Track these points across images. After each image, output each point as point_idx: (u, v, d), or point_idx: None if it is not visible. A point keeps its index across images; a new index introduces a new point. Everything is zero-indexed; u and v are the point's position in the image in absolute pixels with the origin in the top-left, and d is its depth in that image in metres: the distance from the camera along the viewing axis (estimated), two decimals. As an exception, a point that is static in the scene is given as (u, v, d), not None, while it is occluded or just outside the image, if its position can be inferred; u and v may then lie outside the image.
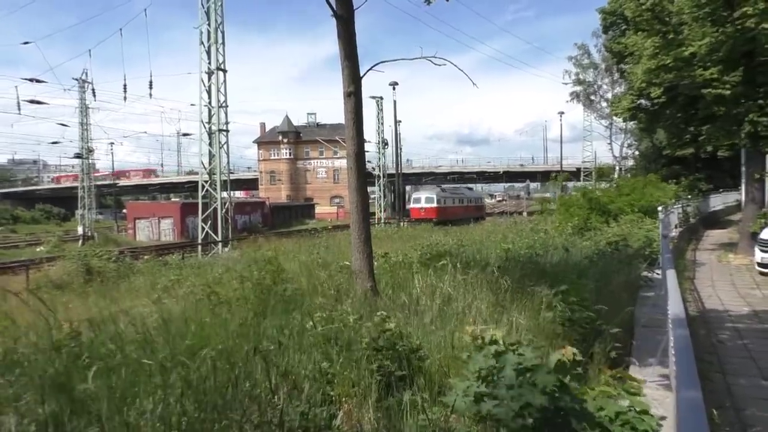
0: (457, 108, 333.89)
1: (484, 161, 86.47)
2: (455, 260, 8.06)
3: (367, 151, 63.04)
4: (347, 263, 7.98)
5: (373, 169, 58.36)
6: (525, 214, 55.32)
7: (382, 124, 56.05)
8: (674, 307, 4.56)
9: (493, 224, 31.02)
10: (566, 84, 51.50)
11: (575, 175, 52.93)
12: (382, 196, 56.22)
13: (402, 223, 50.66)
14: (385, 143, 57.59)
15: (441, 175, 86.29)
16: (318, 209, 75.65)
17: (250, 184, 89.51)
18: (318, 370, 4.53)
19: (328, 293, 6.59)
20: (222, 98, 30.65)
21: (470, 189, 73.94)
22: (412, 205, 53.52)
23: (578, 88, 52.19)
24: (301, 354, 4.74)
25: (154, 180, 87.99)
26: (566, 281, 6.13)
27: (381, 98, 55.40)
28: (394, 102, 49.73)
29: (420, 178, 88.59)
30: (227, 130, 30.94)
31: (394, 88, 49.53)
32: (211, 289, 6.74)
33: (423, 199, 52.93)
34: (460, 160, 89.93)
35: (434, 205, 51.99)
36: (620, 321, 5.98)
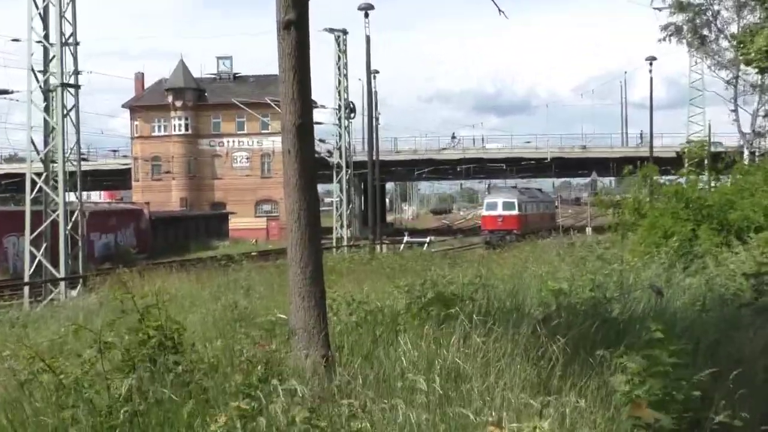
0: (476, 53, 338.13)
1: (521, 141, 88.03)
2: (470, 309, 8.11)
3: (320, 123, 63.62)
4: (283, 316, 8.02)
5: (330, 154, 58.58)
6: (589, 230, 56.31)
7: (346, 77, 56.28)
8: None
9: (533, 246, 31.31)
10: (659, 10, 51.83)
11: (675, 162, 53.58)
12: (345, 199, 56.36)
13: (381, 247, 50.87)
14: (352, 110, 58.00)
15: (446, 165, 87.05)
16: (235, 222, 75.80)
17: (117, 180, 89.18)
18: None
19: (251, 369, 6.60)
20: (69, 29, 30.52)
21: (540, 190, 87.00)
22: (485, 213, 66.16)
23: (680, 18, 52.13)
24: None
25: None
26: (659, 345, 6.23)
27: (344, 32, 55.59)
28: (367, 39, 49.38)
29: (411, 170, 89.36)
30: (77, 86, 30.79)
31: (366, 15, 49.49)
32: (45, 365, 6.69)
33: (500, 204, 63.41)
34: (479, 140, 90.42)
35: (515, 212, 62.91)
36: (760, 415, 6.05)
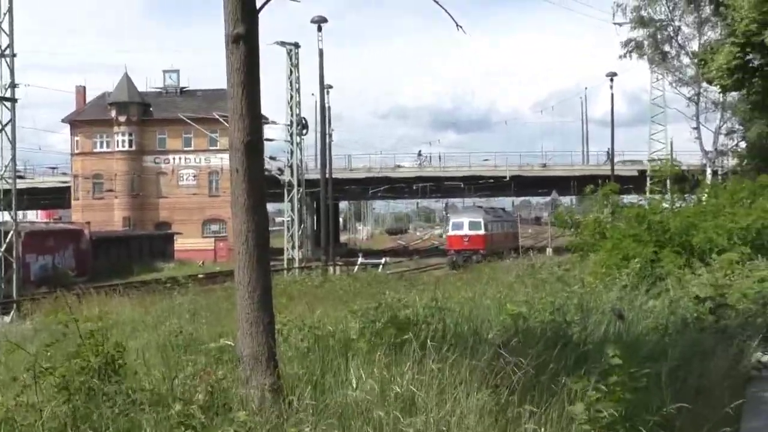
0: (434, 68, 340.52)
1: (479, 159, 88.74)
2: (427, 333, 8.10)
3: (271, 140, 63.70)
4: (230, 342, 7.98)
5: (281, 171, 58.57)
6: (550, 251, 56.92)
7: (299, 92, 56.32)
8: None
9: (492, 268, 31.48)
10: (620, 25, 52.69)
11: (637, 181, 54.31)
12: (296, 219, 56.28)
13: (334, 269, 50.85)
14: (304, 126, 58.10)
15: (402, 183, 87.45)
16: (181, 243, 75.22)
17: (56, 199, 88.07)
18: None
19: (195, 399, 6.54)
20: (5, 40, 30.18)
21: (503, 210, 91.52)
22: (451, 232, 69.69)
23: (641, 33, 53.00)
24: None
25: None
26: (617, 371, 6.29)
27: (296, 46, 55.63)
28: (320, 52, 49.45)
29: (365, 188, 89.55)
30: (14, 99, 30.41)
31: (319, 29, 49.63)
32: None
33: (467, 224, 66.55)
34: (436, 157, 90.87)
35: (482, 232, 66.03)
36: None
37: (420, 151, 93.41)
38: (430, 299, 11.38)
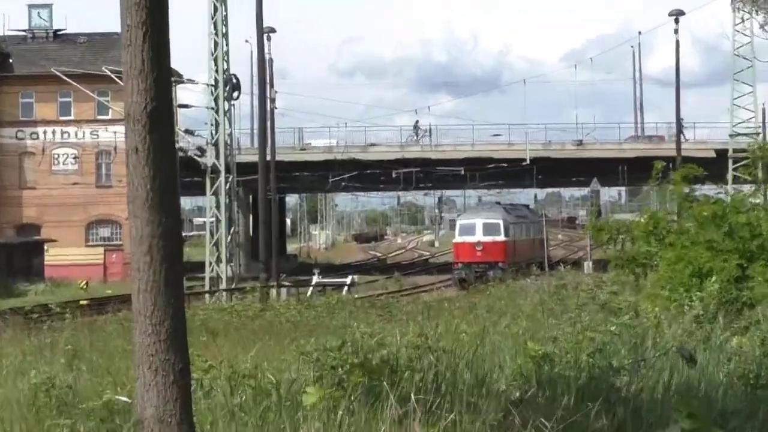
0: (419, 4, 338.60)
1: (487, 134, 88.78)
2: (411, 383, 8.14)
3: (187, 107, 63.46)
4: (125, 398, 7.98)
5: (201, 152, 58.30)
6: (589, 265, 56.88)
7: (226, 38, 56.17)
8: None
9: (510, 291, 31.51)
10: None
11: (712, 166, 54.56)
12: (224, 220, 56.11)
13: (279, 291, 50.66)
14: (234, 87, 57.90)
15: (376, 170, 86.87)
16: (55, 255, 74.75)
17: None
18: None
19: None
20: None
21: (527, 207, 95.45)
22: (458, 239, 70.89)
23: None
24: None
25: None
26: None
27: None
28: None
29: (324, 176, 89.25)
30: None
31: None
32: None
33: (479, 226, 68.32)
34: (423, 134, 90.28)
35: (501, 237, 67.73)
36: None
37: (417, 122, 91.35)
38: (417, 335, 11.41)
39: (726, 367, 10.80)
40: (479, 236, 66.99)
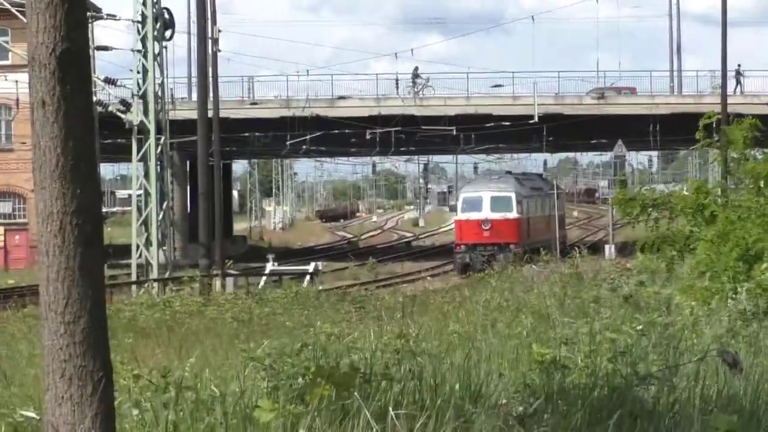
0: None
1: (485, 84, 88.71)
2: (388, 394, 8.19)
3: (107, 49, 63.26)
4: (32, 414, 8.07)
5: (126, 107, 58.15)
6: (611, 249, 56.87)
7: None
8: None
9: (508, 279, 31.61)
10: None
11: None
12: (155, 193, 56.05)
13: (224, 282, 50.71)
14: (167, 25, 57.84)
15: (346, 129, 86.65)
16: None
17: None
18: None
19: None
20: None
21: (541, 176, 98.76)
22: (460, 215, 72.52)
23: None
24: None
25: None
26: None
27: None
28: None
29: (281, 136, 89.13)
30: None
31: None
32: None
33: (487, 201, 69.72)
34: (422, 85, 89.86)
35: (513, 214, 69.17)
36: None
37: (416, 69, 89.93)
38: (396, 335, 11.45)
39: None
40: (487, 212, 68.07)
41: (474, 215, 68.94)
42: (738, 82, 79.19)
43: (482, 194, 70.38)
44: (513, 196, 69.92)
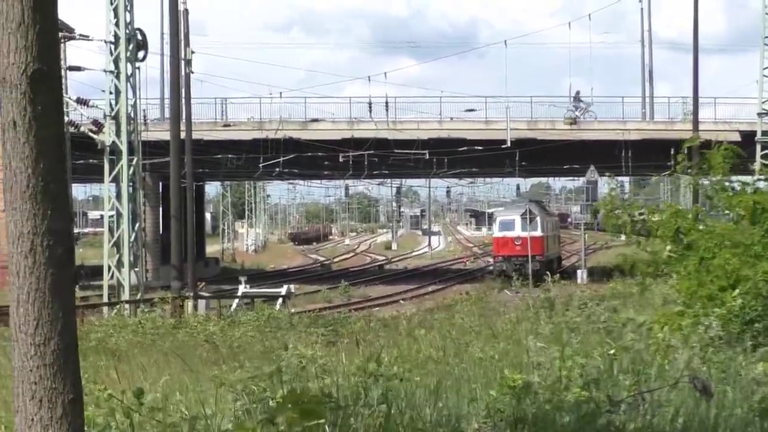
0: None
1: (458, 108, 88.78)
2: (359, 421, 8.17)
3: (80, 69, 63.13)
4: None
5: (98, 127, 57.98)
6: (582, 275, 57.14)
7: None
8: None
9: (480, 304, 31.65)
10: None
11: (745, 147, 54.97)
12: (127, 214, 55.93)
13: (196, 304, 50.63)
14: (140, 46, 57.70)
15: (319, 152, 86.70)
16: None
17: None
18: None
19: None
20: None
21: (540, 203, 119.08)
22: (497, 233, 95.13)
23: None
24: None
25: None
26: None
27: None
28: None
29: (254, 159, 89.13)
30: None
31: None
32: None
33: (516, 222, 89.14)
34: (381, 105, 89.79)
35: (538, 233, 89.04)
36: None
37: (578, 93, 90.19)
38: (367, 358, 11.43)
39: (748, 402, 10.87)
40: (518, 231, 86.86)
41: (509, 233, 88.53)
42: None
43: (515, 217, 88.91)
44: (539, 219, 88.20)
